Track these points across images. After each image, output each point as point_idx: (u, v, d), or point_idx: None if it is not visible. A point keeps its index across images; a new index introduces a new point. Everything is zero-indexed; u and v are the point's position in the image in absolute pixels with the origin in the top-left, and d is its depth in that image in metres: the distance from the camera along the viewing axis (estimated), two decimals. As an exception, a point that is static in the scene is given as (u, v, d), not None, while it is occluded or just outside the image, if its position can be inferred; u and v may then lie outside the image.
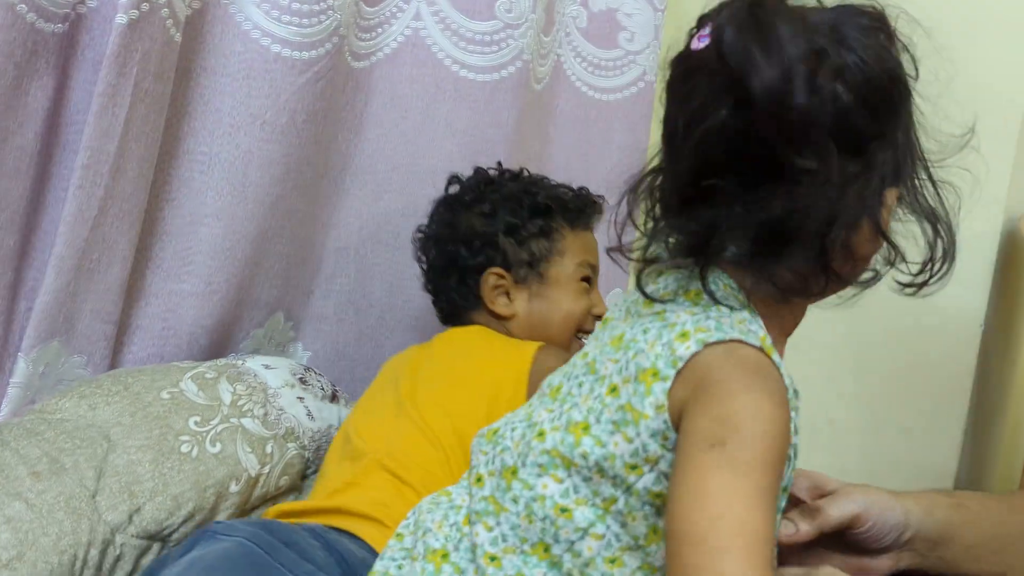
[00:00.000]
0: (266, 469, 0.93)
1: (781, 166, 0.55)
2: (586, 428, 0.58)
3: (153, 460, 0.87)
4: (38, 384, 0.99)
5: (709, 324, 0.57)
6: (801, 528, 0.70)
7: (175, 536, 0.86)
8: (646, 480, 0.57)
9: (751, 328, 0.58)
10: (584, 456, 0.58)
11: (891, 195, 0.59)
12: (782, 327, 0.62)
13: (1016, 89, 1.41)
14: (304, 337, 1.27)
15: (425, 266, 1.13)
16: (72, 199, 0.95)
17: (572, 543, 0.58)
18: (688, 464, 0.54)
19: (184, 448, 0.89)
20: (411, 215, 1.30)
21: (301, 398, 1.02)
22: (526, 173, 1.17)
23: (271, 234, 1.15)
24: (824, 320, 1.56)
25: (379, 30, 1.24)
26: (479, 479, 0.62)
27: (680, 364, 0.56)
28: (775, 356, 0.58)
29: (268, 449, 0.94)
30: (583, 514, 0.58)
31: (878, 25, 0.59)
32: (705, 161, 0.56)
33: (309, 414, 1.01)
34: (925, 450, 1.48)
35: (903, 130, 0.60)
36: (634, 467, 0.57)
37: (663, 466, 0.57)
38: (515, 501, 0.60)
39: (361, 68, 1.23)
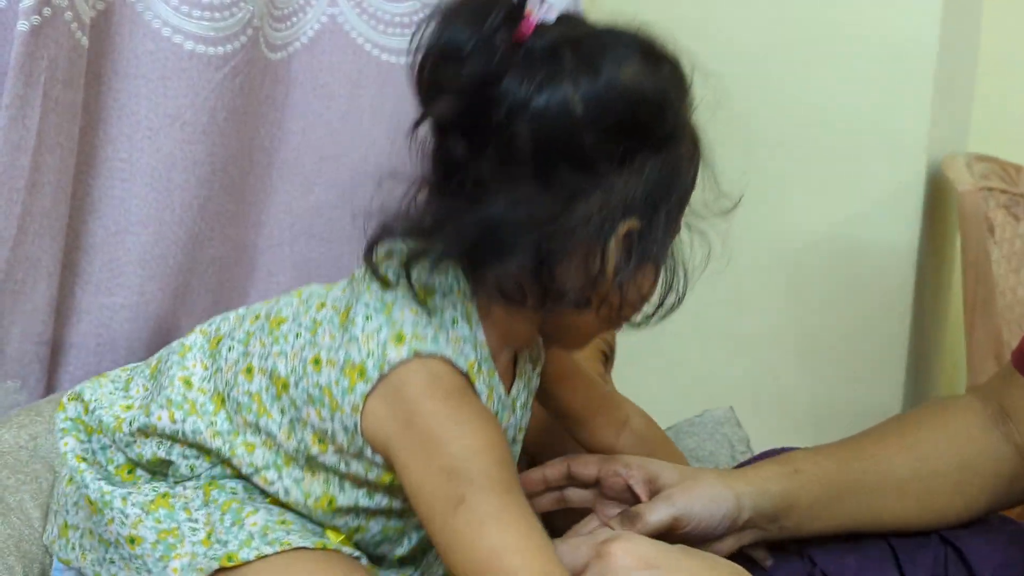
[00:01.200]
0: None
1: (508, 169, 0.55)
2: (286, 386, 0.60)
3: (101, 484, 0.84)
4: (-30, 415, 0.95)
5: (427, 332, 0.57)
6: (548, 476, 0.72)
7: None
8: (329, 458, 0.60)
9: (464, 350, 0.58)
10: (282, 412, 0.61)
11: (624, 225, 0.56)
12: (506, 335, 0.61)
13: (929, 34, 1.44)
14: (246, 339, 1.25)
15: None
16: (-12, 219, 0.91)
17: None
18: (446, 531, 0.55)
19: (133, 467, 0.86)
20: (343, 206, 1.27)
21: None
22: None
23: (202, 238, 1.12)
24: (764, 274, 1.58)
25: (294, 19, 1.21)
26: (249, 370, 0.64)
27: (386, 369, 0.56)
28: (478, 381, 0.58)
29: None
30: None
31: (647, 51, 0.58)
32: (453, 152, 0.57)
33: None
34: (870, 395, 1.52)
35: (657, 163, 0.57)
36: (321, 441, 0.60)
37: (348, 455, 0.59)
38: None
39: (279, 59, 1.19)
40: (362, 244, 1.29)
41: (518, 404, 0.65)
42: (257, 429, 0.62)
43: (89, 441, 0.69)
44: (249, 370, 0.62)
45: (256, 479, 0.63)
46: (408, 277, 0.58)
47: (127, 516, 0.63)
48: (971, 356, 1.43)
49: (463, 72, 0.55)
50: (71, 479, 0.69)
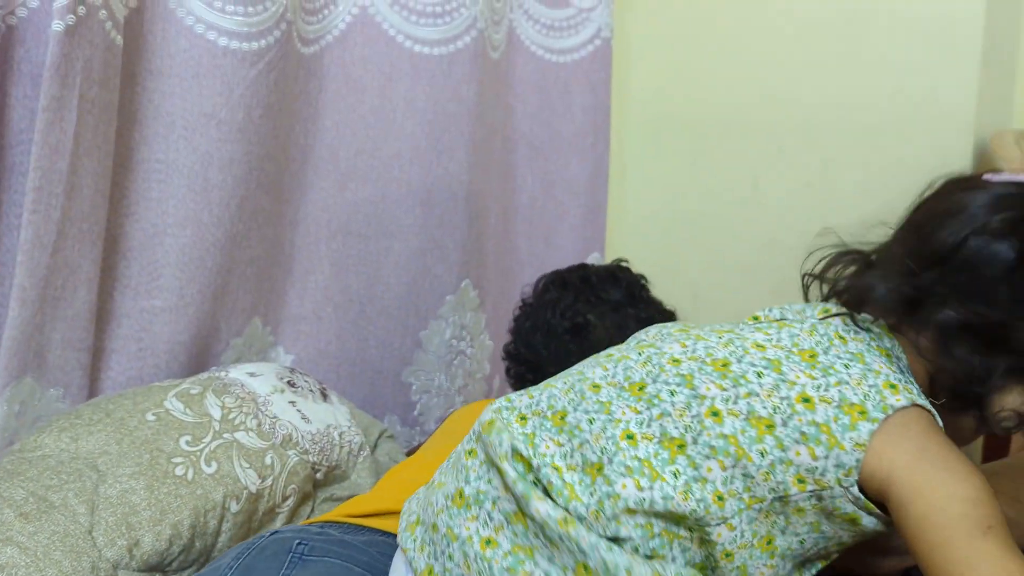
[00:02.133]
0: (268, 482, 0.89)
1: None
2: (770, 427, 0.60)
3: (147, 487, 0.83)
4: (15, 424, 0.94)
5: (911, 386, 0.61)
6: None
7: (174, 565, 0.82)
8: (798, 501, 0.60)
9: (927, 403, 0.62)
10: (762, 455, 0.60)
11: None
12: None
13: (975, 11, 1.40)
14: (284, 340, 1.23)
15: None
16: (28, 225, 0.90)
17: (714, 524, 0.60)
18: (973, 549, 0.57)
19: (179, 471, 0.85)
20: (379, 201, 1.26)
21: (293, 402, 0.98)
22: None
23: (239, 238, 1.10)
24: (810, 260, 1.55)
25: (325, 11, 1.18)
26: (630, 436, 0.61)
27: (890, 411, 0.59)
28: None
29: (268, 460, 0.90)
30: (734, 503, 0.60)
31: None
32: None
33: (304, 417, 0.97)
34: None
35: None
36: (802, 480, 0.59)
37: (834, 493, 0.60)
38: (592, 494, 0.60)
39: (311, 53, 1.17)
40: (402, 240, 1.28)
41: None
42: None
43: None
44: (716, 413, 0.61)
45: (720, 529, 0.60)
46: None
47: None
48: None
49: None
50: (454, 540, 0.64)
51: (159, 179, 1.03)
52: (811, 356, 0.62)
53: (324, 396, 1.05)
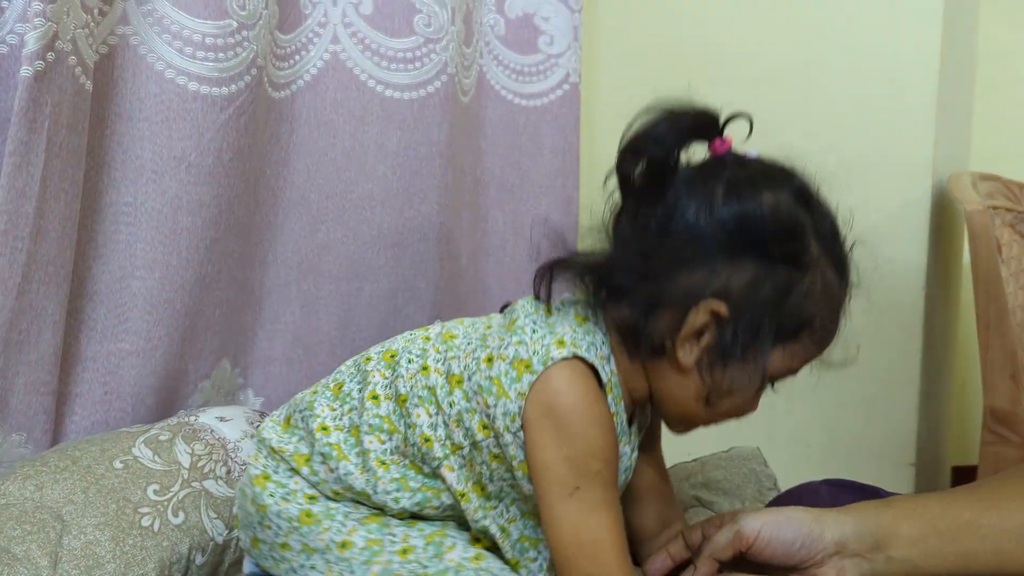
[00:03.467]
0: (235, 533, 0.88)
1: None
2: (459, 382, 0.70)
3: (112, 539, 0.81)
4: (-25, 470, 0.92)
5: (582, 341, 0.68)
6: (672, 553, 0.78)
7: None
8: (489, 443, 0.69)
9: (604, 367, 0.69)
10: (451, 405, 0.70)
11: (711, 303, 0.67)
12: (627, 379, 0.72)
13: (930, 58, 1.44)
14: (253, 383, 1.22)
15: None
16: (-8, 268, 0.89)
17: (435, 467, 0.71)
18: (556, 509, 0.67)
19: (145, 522, 0.84)
20: (350, 243, 1.26)
21: (262, 449, 0.97)
22: None
23: (208, 280, 1.10)
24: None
25: (297, 57, 1.19)
26: (375, 396, 0.73)
27: (550, 363, 0.67)
28: (609, 398, 0.70)
29: (235, 510, 0.89)
30: (440, 448, 0.71)
31: (800, 192, 0.71)
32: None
33: (273, 465, 0.96)
34: (885, 421, 1.50)
35: (768, 275, 0.67)
36: (485, 427, 0.69)
37: (505, 440, 0.68)
38: (403, 425, 0.72)
39: (282, 98, 1.18)
40: (374, 281, 1.28)
41: (633, 441, 0.74)
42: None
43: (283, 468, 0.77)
44: (425, 368, 0.72)
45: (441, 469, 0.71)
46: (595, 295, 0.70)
47: (344, 526, 0.72)
48: (986, 375, 1.42)
49: (658, 149, 0.69)
50: (256, 502, 0.76)
51: (127, 222, 1.03)
52: (510, 329, 0.71)
53: (293, 440, 1.04)
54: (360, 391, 0.74)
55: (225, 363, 1.17)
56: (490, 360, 0.69)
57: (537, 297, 0.72)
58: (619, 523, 0.68)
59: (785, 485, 1.10)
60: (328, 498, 0.74)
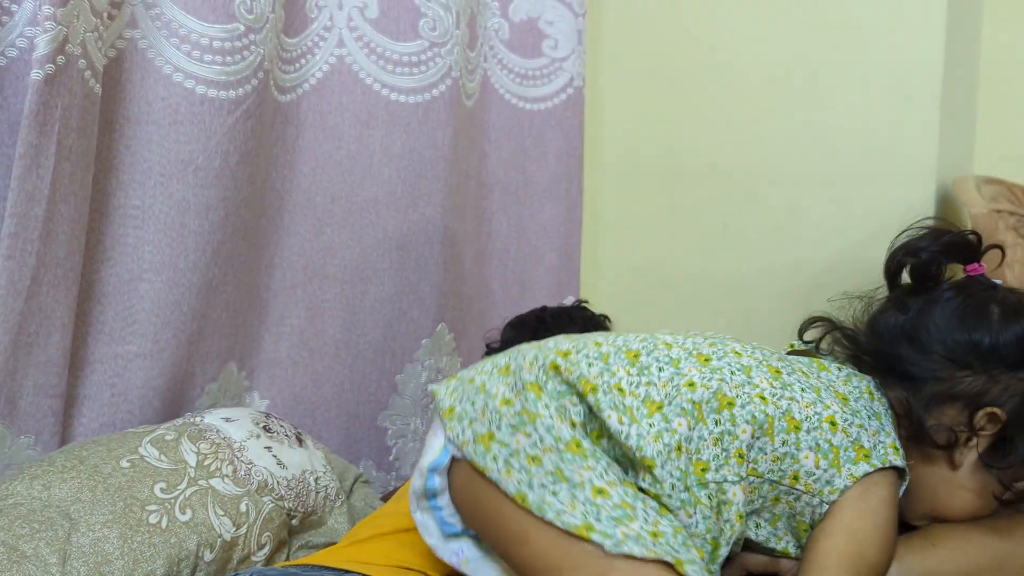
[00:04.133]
0: (242, 530, 0.88)
1: None
2: (797, 428, 0.72)
3: (120, 536, 0.82)
4: (-15, 470, 0.93)
5: (902, 455, 0.74)
6: None
7: (147, 613, 0.81)
8: (786, 491, 0.72)
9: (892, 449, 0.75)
10: (784, 443, 0.72)
11: (991, 408, 0.74)
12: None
13: (934, 60, 1.44)
14: (259, 385, 1.23)
15: None
16: (2, 271, 0.90)
17: (717, 481, 0.71)
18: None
19: (153, 519, 0.84)
20: (355, 246, 1.26)
21: (268, 447, 0.97)
22: None
23: (215, 283, 1.10)
24: (778, 302, 1.57)
25: (302, 60, 1.20)
26: (691, 384, 0.72)
27: (886, 465, 0.72)
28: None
29: (243, 508, 0.89)
30: (742, 468, 0.72)
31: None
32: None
33: (280, 463, 0.96)
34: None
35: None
36: (796, 478, 0.72)
37: (804, 498, 0.72)
38: (714, 423, 0.72)
39: (288, 101, 1.19)
40: (378, 284, 1.28)
41: None
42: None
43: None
44: (763, 399, 0.73)
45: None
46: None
47: (607, 474, 0.69)
48: (990, 379, 1.42)
49: (922, 260, 0.78)
50: (526, 408, 0.71)
51: (135, 225, 1.04)
52: (843, 399, 0.75)
53: (300, 441, 1.04)
54: (668, 374, 0.73)
55: (232, 366, 1.18)
56: (833, 425, 0.73)
57: (808, 344, 0.80)
58: None
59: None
60: (591, 441, 0.71)
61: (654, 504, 0.69)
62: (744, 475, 0.71)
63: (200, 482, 0.89)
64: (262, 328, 1.21)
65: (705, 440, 0.70)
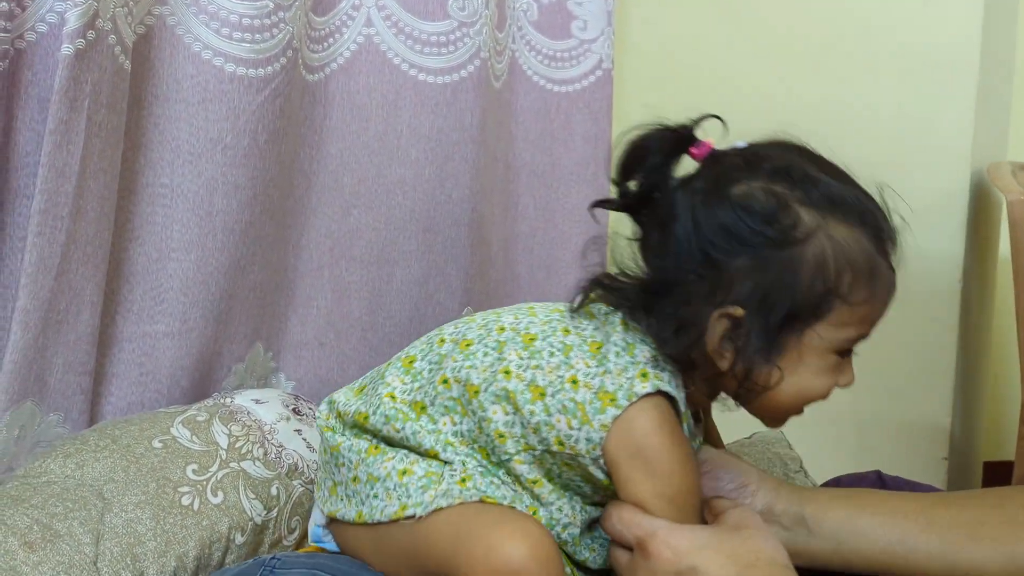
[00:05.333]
0: (273, 513, 0.88)
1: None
2: (542, 395, 0.70)
3: (153, 516, 0.82)
4: (14, 449, 0.92)
5: (663, 373, 0.70)
6: None
7: (177, 595, 0.81)
8: (563, 456, 0.71)
9: (680, 394, 0.71)
10: (532, 413, 0.70)
11: (726, 309, 0.69)
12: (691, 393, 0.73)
13: (971, 45, 1.42)
14: (286, 366, 1.22)
15: None
16: (32, 248, 0.89)
17: (503, 459, 0.72)
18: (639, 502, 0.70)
19: (185, 501, 0.84)
20: (382, 227, 1.25)
21: (299, 431, 0.97)
22: None
23: (244, 263, 1.10)
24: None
25: (331, 40, 1.19)
26: (445, 381, 0.73)
27: (635, 399, 0.69)
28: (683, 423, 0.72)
29: (273, 491, 0.89)
30: (514, 444, 0.71)
31: (765, 169, 0.71)
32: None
33: (309, 446, 0.96)
34: (918, 411, 1.48)
35: (762, 266, 0.68)
36: (561, 443, 0.70)
37: (584, 461, 0.70)
38: (472, 413, 0.72)
39: (316, 80, 1.18)
40: (405, 266, 1.27)
41: (697, 441, 0.77)
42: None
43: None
44: (507, 372, 0.72)
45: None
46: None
47: (408, 457, 0.73)
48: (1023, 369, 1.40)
49: (647, 167, 0.72)
50: (329, 444, 0.77)
51: (164, 203, 1.03)
52: (597, 348, 0.72)
53: (327, 424, 1.04)
54: (431, 372, 0.75)
55: (258, 346, 1.17)
56: (575, 383, 0.70)
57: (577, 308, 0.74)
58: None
59: (814, 473, 1.09)
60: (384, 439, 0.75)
61: (478, 462, 0.72)
62: (517, 450, 0.71)
63: (232, 464, 0.88)
64: (289, 309, 1.20)
65: (473, 430, 0.72)
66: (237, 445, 0.90)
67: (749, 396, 0.71)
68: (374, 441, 0.75)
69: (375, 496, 0.72)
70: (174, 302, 1.04)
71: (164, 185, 1.03)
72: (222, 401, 0.97)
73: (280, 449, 0.93)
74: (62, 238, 0.91)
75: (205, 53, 1.02)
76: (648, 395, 0.69)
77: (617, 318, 0.72)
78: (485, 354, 0.73)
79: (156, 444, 0.88)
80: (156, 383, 1.04)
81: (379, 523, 0.71)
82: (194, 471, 0.86)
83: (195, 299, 1.05)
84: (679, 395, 0.70)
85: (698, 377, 0.72)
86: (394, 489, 0.71)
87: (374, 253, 1.24)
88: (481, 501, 0.70)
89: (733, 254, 0.68)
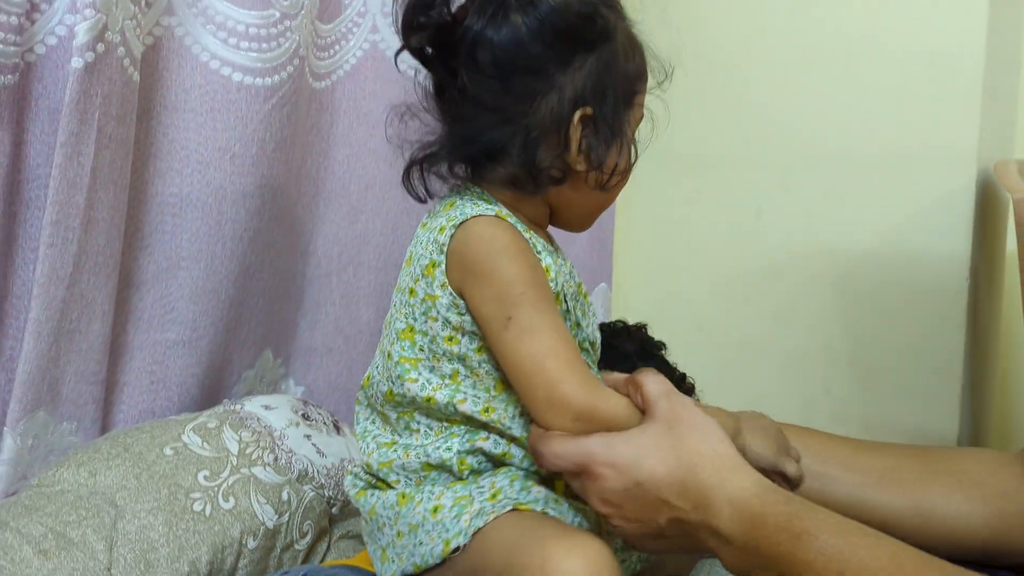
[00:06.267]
0: (285, 518, 0.89)
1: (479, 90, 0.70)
2: (411, 329, 0.72)
3: (166, 523, 0.83)
4: (28, 458, 0.93)
5: (455, 213, 0.71)
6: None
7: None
8: (464, 345, 0.71)
9: (487, 207, 0.72)
10: (413, 293, 0.72)
11: (578, 113, 0.71)
12: (529, 215, 0.75)
13: (976, 43, 1.41)
14: (295, 372, 1.23)
15: None
16: (44, 259, 0.90)
17: (456, 353, 0.72)
18: (499, 346, 0.69)
19: (197, 507, 0.85)
20: (390, 233, 1.26)
21: (308, 436, 0.98)
22: None
23: (252, 270, 1.10)
24: (813, 289, 1.56)
25: (337, 47, 1.20)
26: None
27: (445, 248, 0.70)
28: (507, 216, 0.72)
29: (284, 496, 0.90)
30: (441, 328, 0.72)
31: None
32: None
33: (319, 451, 0.97)
34: (926, 411, 1.48)
35: (594, 60, 0.71)
36: (450, 339, 0.71)
37: (468, 327, 0.71)
38: (424, 334, 0.73)
39: (323, 88, 1.18)
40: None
41: (567, 262, 0.77)
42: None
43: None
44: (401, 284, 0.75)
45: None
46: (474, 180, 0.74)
47: (433, 493, 0.72)
48: (1032, 366, 1.40)
49: (432, 15, 0.72)
50: (368, 516, 0.76)
51: (173, 213, 1.04)
52: (409, 258, 0.75)
53: (337, 429, 1.04)
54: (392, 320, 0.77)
55: (268, 353, 1.18)
56: (412, 292, 0.73)
57: (418, 199, 0.76)
58: (561, 338, 0.69)
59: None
60: (411, 481, 0.75)
61: (490, 472, 0.72)
62: (447, 333, 0.71)
63: (242, 470, 0.89)
64: (298, 315, 1.21)
65: (431, 344, 0.72)
66: (247, 451, 0.91)
67: (605, 187, 0.73)
68: (399, 488, 0.74)
69: (420, 544, 0.71)
70: (184, 310, 1.05)
71: (173, 194, 1.04)
72: (232, 408, 0.98)
73: (290, 454, 0.93)
74: (73, 248, 0.92)
75: (213, 63, 1.03)
76: (472, 217, 0.70)
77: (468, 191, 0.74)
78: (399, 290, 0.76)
79: (167, 451, 0.88)
80: (167, 391, 1.05)
81: (435, 568, 0.70)
82: (205, 477, 0.87)
83: (205, 307, 1.06)
84: (508, 215, 0.72)
85: (541, 200, 0.74)
86: (432, 529, 0.71)
87: (381, 259, 1.25)
88: (515, 509, 0.69)
89: (567, 58, 0.70)
